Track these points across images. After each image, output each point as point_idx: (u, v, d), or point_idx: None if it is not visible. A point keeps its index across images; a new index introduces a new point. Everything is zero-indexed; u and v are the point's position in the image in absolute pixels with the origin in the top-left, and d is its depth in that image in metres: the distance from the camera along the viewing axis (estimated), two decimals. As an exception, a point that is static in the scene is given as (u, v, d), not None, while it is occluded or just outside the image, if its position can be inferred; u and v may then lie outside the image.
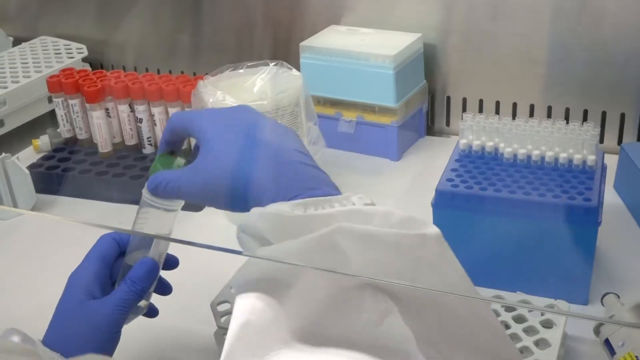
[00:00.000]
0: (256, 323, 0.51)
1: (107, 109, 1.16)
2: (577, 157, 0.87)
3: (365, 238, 0.52)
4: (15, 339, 0.67)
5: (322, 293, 0.51)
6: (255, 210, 0.57)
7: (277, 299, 0.51)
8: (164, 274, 0.76)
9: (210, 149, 0.63)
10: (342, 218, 0.54)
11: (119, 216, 1.07)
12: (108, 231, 0.76)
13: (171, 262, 0.76)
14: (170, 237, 0.74)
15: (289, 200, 0.57)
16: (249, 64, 1.05)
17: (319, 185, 0.60)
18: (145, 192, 0.70)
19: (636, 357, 0.71)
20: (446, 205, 0.85)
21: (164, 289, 0.76)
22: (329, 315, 0.51)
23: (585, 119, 1.15)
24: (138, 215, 0.71)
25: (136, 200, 1.07)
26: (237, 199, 0.61)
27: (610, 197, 1.03)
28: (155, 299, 0.76)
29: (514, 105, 1.20)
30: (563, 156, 0.88)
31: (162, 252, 0.73)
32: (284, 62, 1.04)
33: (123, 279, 0.70)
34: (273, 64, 1.04)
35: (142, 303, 0.72)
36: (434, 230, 0.55)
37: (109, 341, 0.68)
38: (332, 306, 0.51)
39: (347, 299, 0.51)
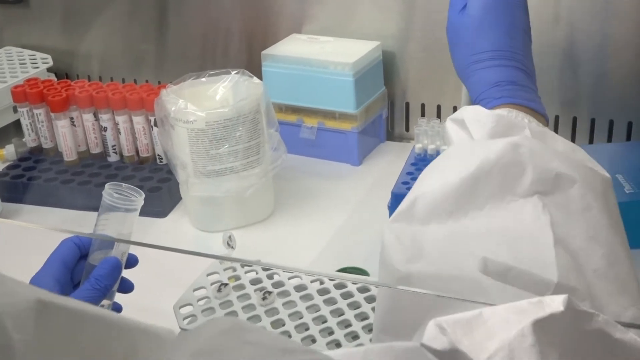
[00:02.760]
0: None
1: (71, 118, 1.18)
2: (527, 159, 0.90)
3: (544, 152, 0.60)
4: None
5: (491, 191, 0.59)
6: (464, 107, 0.68)
7: None
8: (126, 273, 0.78)
9: None
10: (530, 133, 0.63)
11: (84, 223, 1.08)
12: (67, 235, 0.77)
13: (131, 261, 0.78)
14: (138, 242, 0.76)
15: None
16: (211, 72, 1.07)
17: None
18: (106, 194, 0.72)
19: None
20: (402, 207, 0.88)
21: (126, 287, 0.78)
22: (484, 211, 0.59)
23: (539, 122, 1.19)
24: (100, 216, 0.73)
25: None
26: None
27: (563, 197, 1.06)
28: (120, 300, 0.78)
29: (471, 110, 1.23)
30: (514, 158, 0.91)
31: (124, 251, 0.75)
32: (245, 71, 1.07)
33: (87, 278, 0.72)
34: (234, 72, 1.06)
35: (106, 302, 0.74)
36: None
37: None
38: (493, 207, 0.59)
39: (509, 203, 0.59)
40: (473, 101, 0.72)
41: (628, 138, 1.16)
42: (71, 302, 0.36)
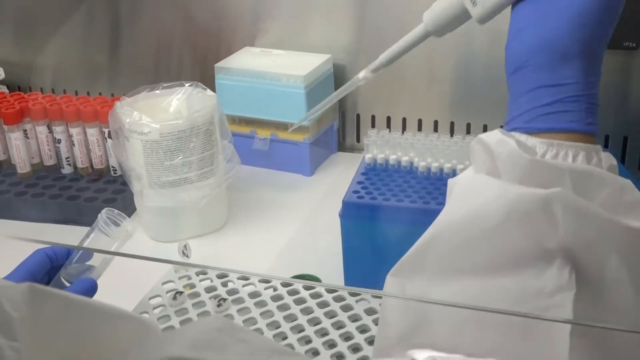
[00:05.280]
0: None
1: (25, 131, 1.18)
2: (472, 168, 0.94)
3: (579, 213, 0.50)
4: None
5: (515, 242, 0.52)
6: (499, 133, 0.56)
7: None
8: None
9: None
10: (574, 178, 0.52)
11: (39, 235, 1.09)
12: (41, 246, 0.78)
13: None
14: (108, 250, 0.78)
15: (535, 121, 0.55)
16: (165, 84, 1.09)
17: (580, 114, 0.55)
18: (101, 219, 0.75)
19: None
20: (352, 215, 0.91)
21: None
22: (501, 271, 0.52)
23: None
24: (88, 236, 0.76)
25: (56, 219, 1.10)
26: None
27: (508, 205, 1.10)
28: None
29: (419, 121, 1.27)
30: (460, 167, 0.94)
31: (99, 275, 0.77)
32: (199, 83, 1.09)
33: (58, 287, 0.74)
34: (188, 84, 1.08)
35: None
36: None
37: None
38: (516, 259, 0.51)
39: (535, 257, 0.51)
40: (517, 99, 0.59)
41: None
42: (59, 291, 0.40)
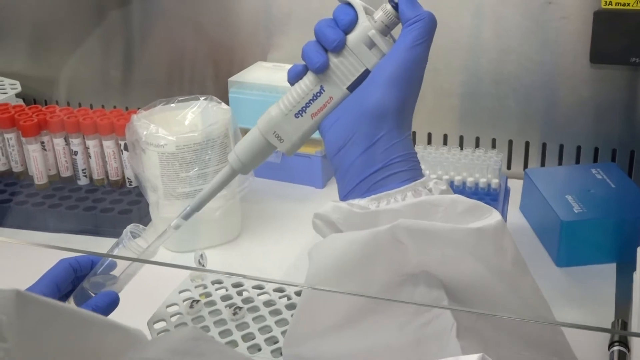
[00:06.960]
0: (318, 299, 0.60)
1: (42, 143, 1.20)
2: (482, 181, 0.96)
3: (423, 233, 0.57)
4: None
5: (379, 277, 0.58)
6: (331, 203, 0.64)
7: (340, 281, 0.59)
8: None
9: None
10: (407, 212, 0.59)
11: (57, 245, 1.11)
12: (65, 254, 0.80)
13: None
14: (127, 257, 0.81)
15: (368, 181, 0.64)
16: (180, 98, 1.11)
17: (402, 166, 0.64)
18: (125, 235, 0.77)
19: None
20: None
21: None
22: (379, 305, 0.58)
23: (493, 146, 1.25)
24: (113, 251, 0.79)
25: (72, 230, 1.12)
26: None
27: (517, 217, 1.12)
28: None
29: (429, 135, 1.29)
30: (470, 180, 0.96)
31: (122, 287, 0.79)
32: (214, 97, 1.11)
33: (84, 303, 0.76)
34: (203, 98, 1.10)
35: None
36: (494, 220, 0.58)
37: None
38: (386, 290, 0.58)
39: (401, 284, 0.57)
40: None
41: (577, 161, 1.22)
42: (46, 299, 0.41)
